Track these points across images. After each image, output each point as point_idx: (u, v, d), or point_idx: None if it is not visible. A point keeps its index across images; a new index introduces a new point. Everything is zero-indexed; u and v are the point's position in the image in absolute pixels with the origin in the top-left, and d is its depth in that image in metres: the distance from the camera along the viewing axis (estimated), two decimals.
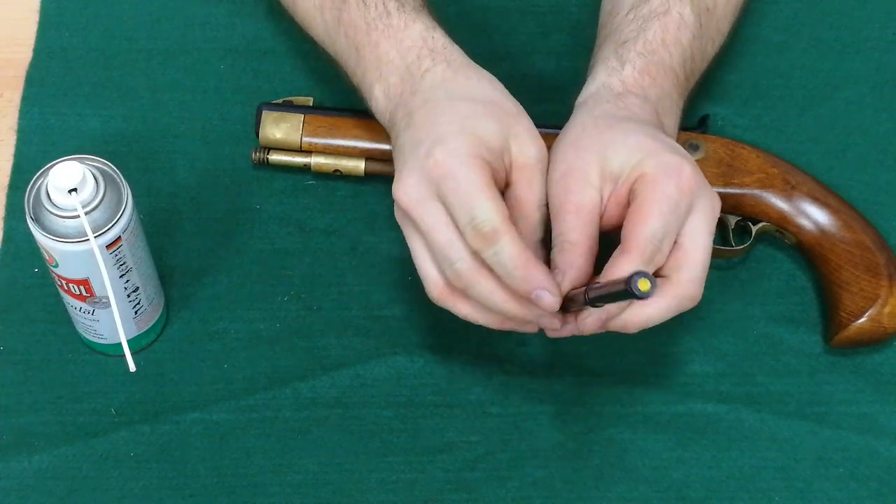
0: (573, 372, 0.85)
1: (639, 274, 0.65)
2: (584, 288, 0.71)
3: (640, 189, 0.73)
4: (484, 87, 0.78)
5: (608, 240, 0.75)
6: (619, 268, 0.71)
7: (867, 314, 0.84)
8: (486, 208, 0.71)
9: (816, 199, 0.86)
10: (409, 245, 0.75)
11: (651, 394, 0.84)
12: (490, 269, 0.72)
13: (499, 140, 0.74)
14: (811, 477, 0.82)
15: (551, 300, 0.71)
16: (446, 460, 0.82)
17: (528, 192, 0.75)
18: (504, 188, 0.76)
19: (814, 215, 0.86)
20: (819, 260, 0.86)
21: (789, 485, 0.82)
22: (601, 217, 0.75)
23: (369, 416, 0.83)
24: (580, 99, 0.81)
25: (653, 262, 0.72)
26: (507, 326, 0.75)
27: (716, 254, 0.87)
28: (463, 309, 0.75)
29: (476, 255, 0.72)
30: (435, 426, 0.83)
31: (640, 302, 0.71)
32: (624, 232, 0.73)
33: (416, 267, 0.75)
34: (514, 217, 0.74)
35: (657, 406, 0.84)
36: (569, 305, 0.73)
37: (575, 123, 0.78)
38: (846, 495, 0.81)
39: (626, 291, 0.65)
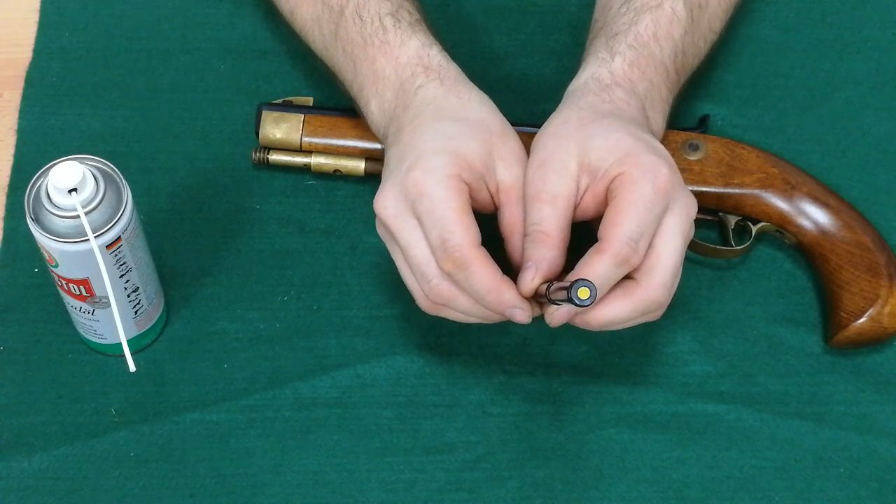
0: (573, 372, 0.85)
1: (580, 282, 0.68)
2: (546, 285, 0.73)
3: (617, 189, 0.73)
4: (473, 106, 0.78)
5: (581, 231, 0.76)
6: (593, 267, 0.72)
7: (867, 314, 0.84)
8: (456, 233, 0.72)
9: (816, 199, 0.86)
10: (392, 257, 0.77)
11: (651, 394, 0.84)
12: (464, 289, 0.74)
13: (482, 160, 0.75)
14: (811, 477, 0.82)
15: (524, 315, 0.74)
16: (446, 460, 0.82)
17: (517, 213, 0.76)
18: (492, 209, 0.77)
19: (814, 215, 0.86)
20: (819, 260, 0.86)
21: (789, 485, 0.82)
22: (576, 208, 0.75)
23: (369, 416, 0.83)
24: (569, 89, 0.82)
25: (628, 264, 0.72)
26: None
27: (716, 254, 0.87)
28: (451, 315, 0.76)
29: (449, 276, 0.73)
30: (435, 426, 0.83)
31: (599, 304, 0.73)
32: (600, 232, 0.73)
33: (403, 279, 0.76)
34: (505, 237, 0.77)
35: (657, 406, 0.84)
36: (539, 298, 0.74)
37: (559, 114, 0.79)
38: (846, 495, 0.81)
39: (568, 297, 0.68)
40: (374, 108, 0.82)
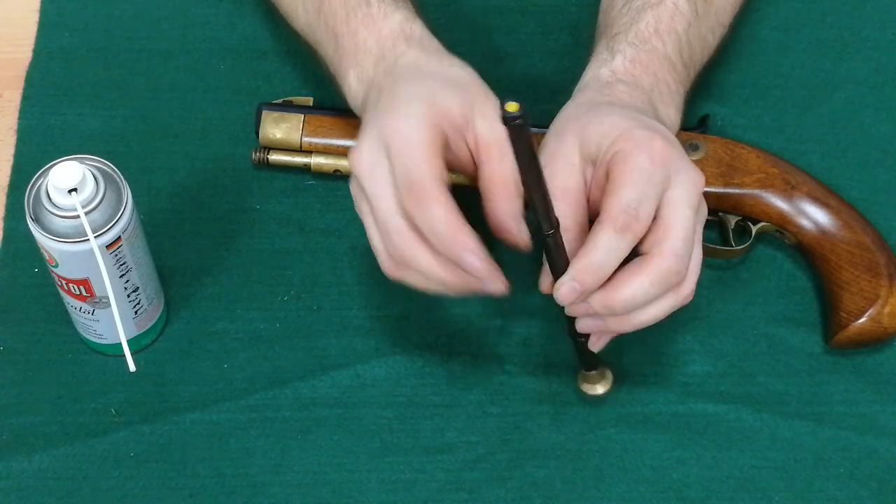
0: (573, 372, 0.84)
1: (505, 101, 0.62)
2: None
3: (613, 166, 0.73)
4: (456, 70, 0.78)
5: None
6: (595, 239, 0.71)
7: (867, 314, 0.84)
8: (422, 168, 0.71)
9: (816, 199, 0.86)
10: (363, 221, 0.75)
11: (651, 394, 0.84)
12: (425, 242, 0.72)
13: (461, 113, 0.74)
14: (811, 477, 0.82)
15: (477, 263, 0.71)
16: (446, 460, 0.82)
17: (499, 167, 0.74)
18: (472, 169, 0.75)
19: (814, 215, 0.86)
20: (819, 260, 0.86)
21: (789, 485, 0.82)
22: (588, 201, 0.75)
23: (369, 416, 0.83)
24: (573, 92, 0.82)
25: (631, 231, 0.71)
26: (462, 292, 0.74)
27: (716, 254, 0.87)
28: (413, 279, 0.74)
29: (412, 227, 0.72)
30: (435, 426, 0.83)
31: (614, 281, 0.71)
32: (601, 207, 0.73)
33: (369, 241, 0.75)
34: (484, 196, 0.74)
35: (657, 406, 0.84)
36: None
37: (560, 114, 0.79)
38: (846, 495, 0.81)
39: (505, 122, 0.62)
40: (353, 78, 0.81)
